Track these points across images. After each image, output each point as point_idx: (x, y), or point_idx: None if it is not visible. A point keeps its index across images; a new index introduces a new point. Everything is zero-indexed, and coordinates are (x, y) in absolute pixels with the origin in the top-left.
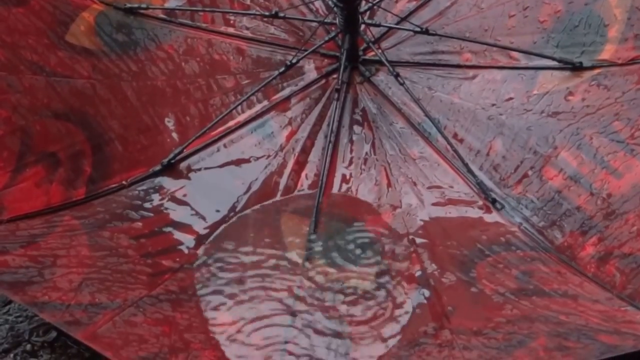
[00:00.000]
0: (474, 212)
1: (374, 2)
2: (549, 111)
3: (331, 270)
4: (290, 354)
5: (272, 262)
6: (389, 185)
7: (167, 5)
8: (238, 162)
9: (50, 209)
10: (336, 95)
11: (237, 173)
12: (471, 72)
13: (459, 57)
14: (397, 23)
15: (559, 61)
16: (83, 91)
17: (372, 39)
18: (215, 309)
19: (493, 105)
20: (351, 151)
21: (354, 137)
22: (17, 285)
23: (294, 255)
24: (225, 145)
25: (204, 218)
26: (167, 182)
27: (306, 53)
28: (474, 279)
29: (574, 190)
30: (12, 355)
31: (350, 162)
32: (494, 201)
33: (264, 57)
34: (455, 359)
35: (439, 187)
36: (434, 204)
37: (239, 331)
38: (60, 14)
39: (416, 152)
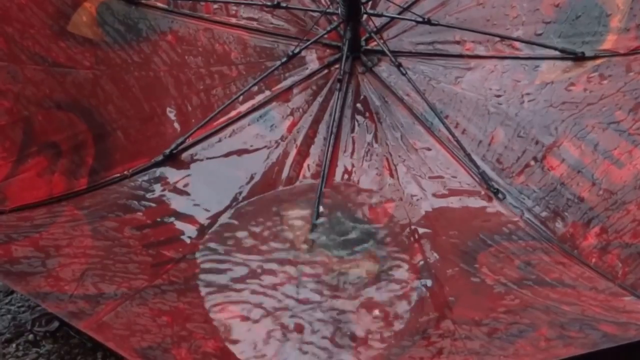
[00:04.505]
0: (476, 202)
1: None
2: (551, 101)
3: (333, 259)
4: (293, 343)
5: (275, 252)
6: (391, 175)
7: None
8: (240, 153)
9: (52, 199)
10: (338, 86)
11: (239, 163)
12: (473, 62)
13: (461, 47)
14: (399, 13)
15: (561, 51)
16: (85, 82)
17: (374, 29)
18: (218, 299)
19: (495, 95)
20: (353, 141)
21: (356, 128)
22: (20, 275)
23: (296, 245)
24: (227, 136)
25: (206, 208)
26: (169, 173)
27: (308, 43)
28: (476, 269)
29: (576, 181)
30: (14, 345)
31: (353, 152)
32: (496, 191)
33: (266, 48)
34: (457, 348)
35: (441, 177)
36: (436, 194)
37: (241, 321)
38: (62, 4)
39: (418, 142)
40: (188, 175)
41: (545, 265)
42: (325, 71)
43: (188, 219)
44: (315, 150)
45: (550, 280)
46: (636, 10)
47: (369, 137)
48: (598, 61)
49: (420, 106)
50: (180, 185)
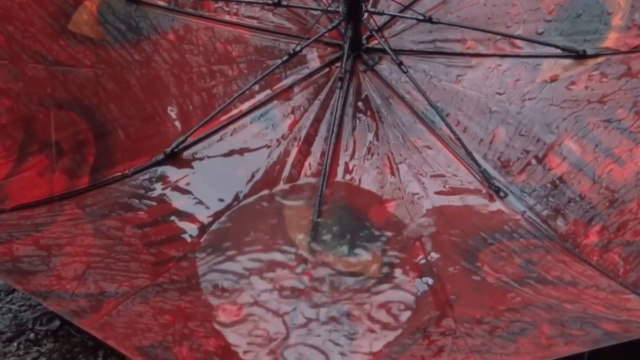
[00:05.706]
0: (477, 201)
1: None
2: (553, 99)
3: (334, 259)
4: (294, 343)
5: (276, 251)
6: (392, 174)
7: None
8: (241, 151)
9: (53, 198)
10: (339, 84)
11: (240, 162)
12: (474, 61)
13: (463, 46)
14: (400, 11)
15: (563, 49)
16: (86, 80)
17: (375, 27)
18: (219, 297)
19: (497, 93)
20: (354, 140)
21: (357, 126)
22: (21, 274)
23: (298, 244)
24: (228, 134)
25: (207, 207)
26: (170, 171)
27: (309, 42)
28: (477, 267)
29: (577, 179)
30: (15, 343)
31: (354, 151)
32: (497, 189)
33: (267, 46)
34: (458, 347)
35: (442, 175)
36: (437, 193)
37: (242, 320)
38: (63, 3)
39: (419, 141)
40: (189, 173)
41: (546, 264)
42: (326, 70)
43: (189, 217)
44: (317, 149)
45: (551, 279)
46: (638, 8)
47: (370, 136)
48: (599, 59)
49: (421, 105)
50: (181, 184)
